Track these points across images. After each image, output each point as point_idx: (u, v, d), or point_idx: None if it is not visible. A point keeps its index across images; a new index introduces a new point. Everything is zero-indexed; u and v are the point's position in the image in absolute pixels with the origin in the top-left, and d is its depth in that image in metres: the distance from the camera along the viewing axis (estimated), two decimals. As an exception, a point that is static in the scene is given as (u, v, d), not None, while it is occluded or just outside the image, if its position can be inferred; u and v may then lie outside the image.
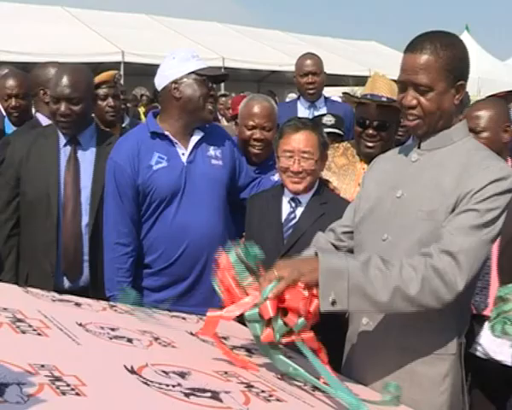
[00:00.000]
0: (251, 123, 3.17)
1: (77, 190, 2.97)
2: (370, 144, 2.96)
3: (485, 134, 2.83)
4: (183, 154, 2.84)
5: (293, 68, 5.06)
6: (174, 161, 2.81)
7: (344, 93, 3.41)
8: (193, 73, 2.84)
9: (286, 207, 2.70)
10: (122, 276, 2.78)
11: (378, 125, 2.95)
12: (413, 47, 2.00)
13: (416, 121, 2.00)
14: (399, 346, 2.01)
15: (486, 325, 2.48)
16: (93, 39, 13.07)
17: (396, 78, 2.09)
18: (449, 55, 1.97)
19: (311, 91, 4.76)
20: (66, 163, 3.00)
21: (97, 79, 3.90)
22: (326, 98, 4.91)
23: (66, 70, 3.03)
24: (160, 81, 2.89)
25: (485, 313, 2.62)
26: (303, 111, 4.68)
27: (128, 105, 5.21)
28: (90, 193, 2.97)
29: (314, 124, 2.75)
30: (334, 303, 1.78)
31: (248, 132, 3.18)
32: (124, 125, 4.50)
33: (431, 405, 2.00)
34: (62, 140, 3.04)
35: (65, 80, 2.96)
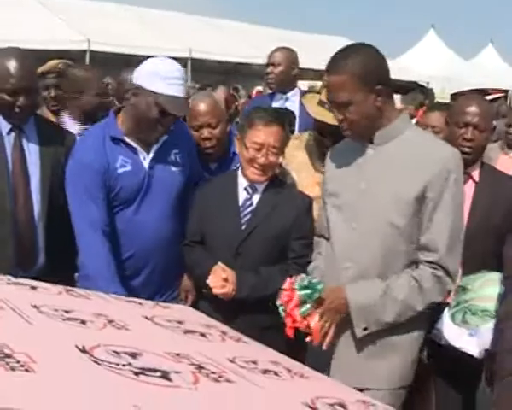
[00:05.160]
0: (195, 123, 3.11)
1: (26, 179, 2.79)
2: None
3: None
4: (144, 159, 2.80)
5: (260, 61, 5.12)
6: (137, 165, 2.79)
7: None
8: (160, 94, 2.66)
9: (242, 194, 2.74)
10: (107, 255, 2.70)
11: None
12: (329, 68, 2.21)
13: (347, 132, 2.28)
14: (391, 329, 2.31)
15: (446, 312, 2.54)
16: (58, 26, 12.86)
17: None
18: (359, 68, 2.15)
19: (268, 81, 4.87)
20: (11, 151, 2.78)
21: (42, 68, 3.82)
22: (301, 92, 4.90)
23: (16, 58, 2.71)
24: (137, 77, 2.74)
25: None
26: (275, 104, 4.67)
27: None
28: (40, 181, 2.81)
29: (281, 117, 2.78)
30: (365, 329, 2.26)
31: (196, 133, 3.11)
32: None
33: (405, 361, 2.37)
34: (5, 127, 2.80)
35: (19, 70, 2.68)
